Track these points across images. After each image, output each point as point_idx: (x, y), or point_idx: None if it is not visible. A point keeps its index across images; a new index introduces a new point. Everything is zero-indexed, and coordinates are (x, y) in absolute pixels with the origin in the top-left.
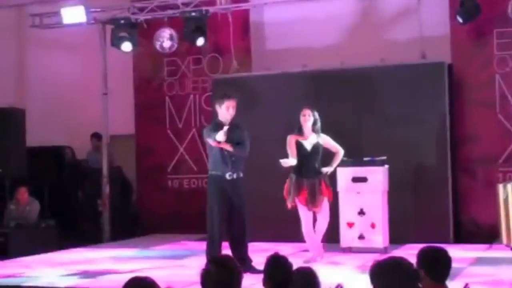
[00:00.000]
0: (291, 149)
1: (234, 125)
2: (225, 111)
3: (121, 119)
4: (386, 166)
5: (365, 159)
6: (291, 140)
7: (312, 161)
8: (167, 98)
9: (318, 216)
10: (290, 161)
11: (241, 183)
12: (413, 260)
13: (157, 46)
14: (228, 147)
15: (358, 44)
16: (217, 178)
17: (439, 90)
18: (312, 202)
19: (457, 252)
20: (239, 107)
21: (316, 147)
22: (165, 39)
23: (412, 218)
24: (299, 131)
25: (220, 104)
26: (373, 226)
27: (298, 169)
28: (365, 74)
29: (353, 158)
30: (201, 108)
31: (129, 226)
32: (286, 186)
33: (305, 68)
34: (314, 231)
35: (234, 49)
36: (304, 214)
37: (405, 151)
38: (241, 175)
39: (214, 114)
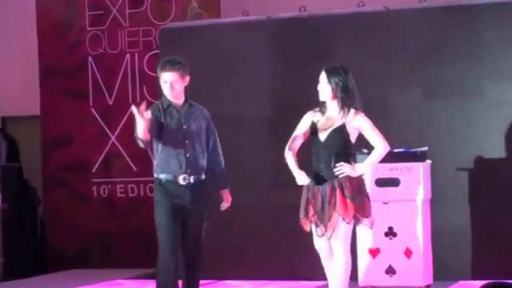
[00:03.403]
0: (297, 137)
1: (187, 110)
2: (164, 87)
3: (17, 92)
4: (429, 161)
5: (396, 150)
6: (305, 120)
7: (323, 157)
8: (89, 59)
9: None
10: (300, 178)
11: (204, 190)
12: None
13: None
14: None
15: None
16: (166, 183)
17: None
18: (319, 219)
19: None
20: (201, 75)
21: (334, 133)
22: None
23: (468, 241)
24: (322, 106)
25: (158, 76)
26: (408, 253)
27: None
28: (400, 19)
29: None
30: (143, 74)
31: (32, 257)
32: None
33: (302, 13)
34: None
35: None
36: (315, 241)
37: (457, 137)
38: (203, 177)
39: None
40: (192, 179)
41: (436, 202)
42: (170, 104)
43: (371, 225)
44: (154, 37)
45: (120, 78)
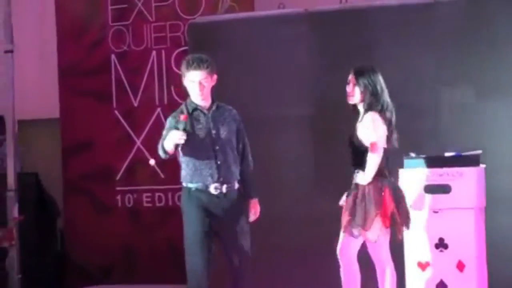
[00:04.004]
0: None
1: (216, 113)
2: (190, 88)
3: (36, 93)
4: (482, 166)
5: (447, 154)
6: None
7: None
8: (112, 57)
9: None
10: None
11: (239, 199)
12: None
13: None
14: None
15: None
16: (196, 193)
17: None
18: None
19: None
20: (232, 73)
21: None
22: None
23: None
24: (354, 111)
25: (183, 76)
26: (460, 267)
27: None
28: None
29: (424, 152)
30: (170, 73)
31: (52, 273)
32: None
33: (344, 5)
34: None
35: None
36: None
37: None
38: (236, 186)
39: (185, 90)
40: (224, 189)
41: (491, 210)
42: (196, 107)
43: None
44: (182, 33)
45: (145, 78)
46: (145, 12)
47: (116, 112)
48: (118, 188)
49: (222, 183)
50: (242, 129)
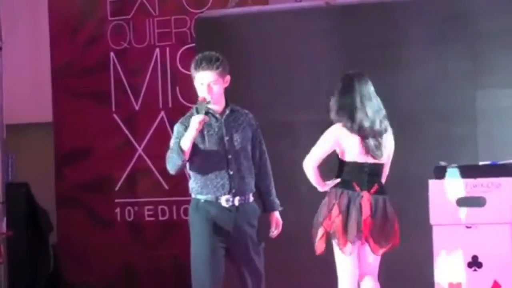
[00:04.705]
0: None
1: (229, 118)
2: (200, 90)
3: (27, 95)
4: None
5: (482, 163)
6: None
7: None
8: (111, 55)
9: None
10: None
11: (253, 214)
12: None
13: None
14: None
15: None
16: (206, 205)
17: None
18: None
19: None
20: (245, 73)
21: None
22: None
23: None
24: None
25: (192, 77)
26: (497, 287)
27: None
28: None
29: (457, 161)
30: (175, 73)
31: None
32: None
33: None
34: None
35: None
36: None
37: None
38: (251, 198)
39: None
40: (237, 201)
41: None
42: (208, 111)
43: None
44: (188, 28)
45: (148, 78)
46: (148, 5)
47: (115, 116)
48: (117, 200)
49: (234, 195)
50: (258, 136)
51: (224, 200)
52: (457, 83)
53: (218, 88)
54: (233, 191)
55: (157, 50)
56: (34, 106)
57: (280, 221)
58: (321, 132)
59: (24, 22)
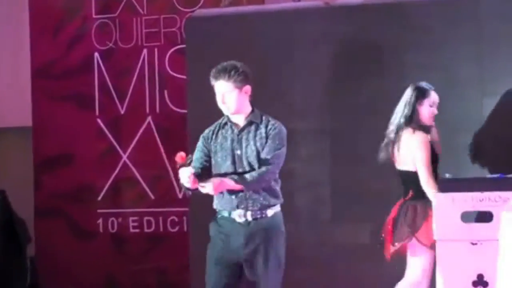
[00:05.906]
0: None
1: (244, 129)
2: (217, 100)
3: (5, 98)
4: None
5: (489, 176)
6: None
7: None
8: (96, 56)
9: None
10: None
11: (268, 230)
12: None
13: None
14: (228, 185)
15: None
16: (220, 220)
17: None
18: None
19: None
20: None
21: None
22: None
23: None
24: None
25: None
26: None
27: None
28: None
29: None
30: (164, 75)
31: None
32: None
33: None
34: None
35: None
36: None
37: None
38: (268, 213)
39: None
40: (250, 216)
41: None
42: (227, 122)
43: None
44: (178, 28)
45: (134, 80)
46: (135, 3)
47: (98, 120)
48: (99, 211)
49: (246, 210)
50: (271, 143)
51: (236, 215)
52: (463, 90)
53: (234, 99)
54: (242, 206)
55: (145, 51)
56: (12, 109)
57: (223, 187)
58: (318, 142)
59: (3, 21)
